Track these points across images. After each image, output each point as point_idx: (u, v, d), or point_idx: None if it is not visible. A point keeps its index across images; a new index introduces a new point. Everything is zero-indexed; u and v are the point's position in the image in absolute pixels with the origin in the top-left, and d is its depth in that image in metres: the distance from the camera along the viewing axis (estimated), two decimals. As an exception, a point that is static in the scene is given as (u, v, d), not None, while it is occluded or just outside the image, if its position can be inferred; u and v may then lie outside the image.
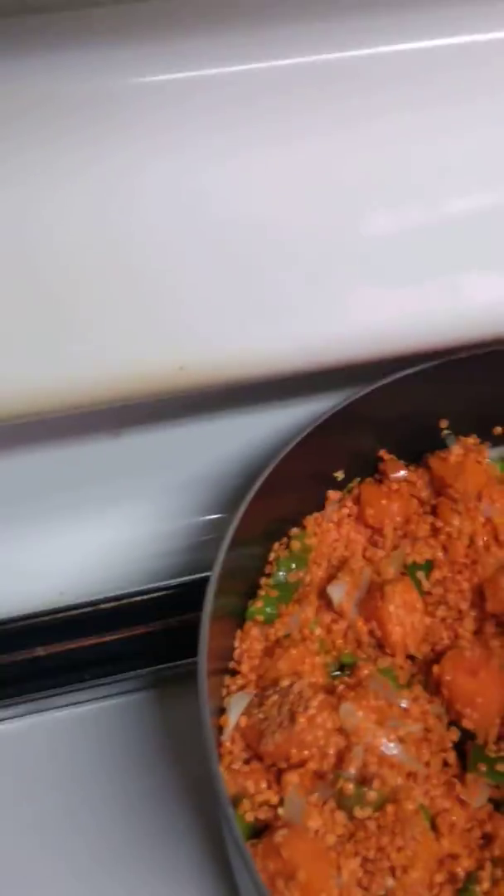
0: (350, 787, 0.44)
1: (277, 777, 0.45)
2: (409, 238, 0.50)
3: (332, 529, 0.56)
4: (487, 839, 0.45)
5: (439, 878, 0.43)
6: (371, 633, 0.52)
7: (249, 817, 0.43)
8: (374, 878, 0.42)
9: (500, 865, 0.43)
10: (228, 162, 0.47)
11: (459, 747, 0.48)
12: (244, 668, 0.48)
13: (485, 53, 0.48)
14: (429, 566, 0.55)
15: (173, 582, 0.62)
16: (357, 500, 0.57)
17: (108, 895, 0.51)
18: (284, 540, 0.54)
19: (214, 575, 0.45)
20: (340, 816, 0.44)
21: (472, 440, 0.58)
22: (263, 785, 0.44)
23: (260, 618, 0.51)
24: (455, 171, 0.49)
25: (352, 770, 0.44)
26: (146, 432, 0.60)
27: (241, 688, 0.48)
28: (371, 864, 0.42)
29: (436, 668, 0.50)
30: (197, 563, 0.62)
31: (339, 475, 0.56)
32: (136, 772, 0.56)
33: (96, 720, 0.58)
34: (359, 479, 0.58)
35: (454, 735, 0.48)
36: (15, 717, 0.59)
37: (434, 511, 0.57)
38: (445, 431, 0.58)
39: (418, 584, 0.53)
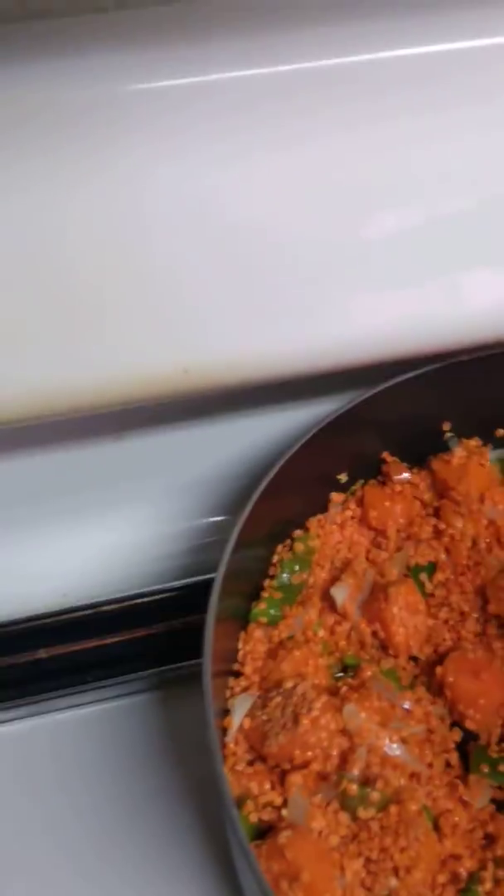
0: (353, 787, 0.44)
1: (281, 778, 0.45)
2: (411, 241, 0.50)
3: (335, 531, 0.56)
4: (490, 840, 0.45)
5: (442, 878, 0.43)
6: (374, 634, 0.52)
7: (253, 818, 0.44)
8: (378, 878, 0.42)
9: (502, 866, 0.43)
10: (231, 167, 0.47)
11: (462, 748, 0.48)
12: (247, 669, 0.48)
13: (486, 58, 0.48)
14: (431, 568, 0.55)
15: (176, 584, 0.62)
16: (360, 503, 0.57)
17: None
18: (288, 542, 0.55)
19: (219, 577, 0.46)
20: (344, 817, 0.44)
21: (474, 442, 0.58)
22: (267, 786, 0.45)
23: (263, 619, 0.51)
24: (456, 175, 0.49)
25: (355, 771, 0.44)
26: (149, 435, 0.60)
27: (245, 689, 0.48)
28: (374, 864, 0.43)
29: (439, 670, 0.50)
30: (200, 566, 0.62)
31: (343, 477, 0.57)
32: (139, 773, 0.56)
33: (99, 722, 0.58)
34: (362, 481, 0.58)
35: (457, 736, 0.48)
36: (17, 718, 0.59)
37: (436, 513, 0.57)
38: (448, 434, 0.58)
39: (421, 586, 0.54)
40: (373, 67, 0.47)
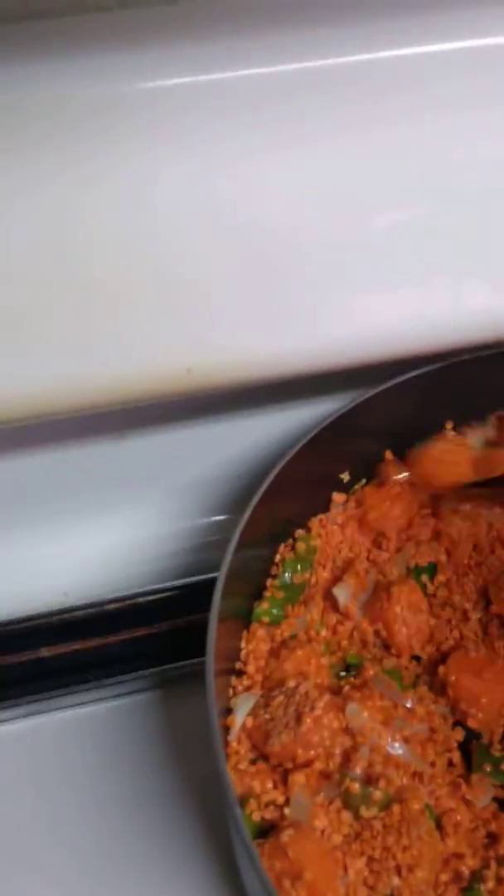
0: (356, 786, 0.44)
1: (283, 777, 0.45)
2: (413, 241, 0.50)
3: (336, 532, 0.56)
4: (492, 838, 0.45)
5: (444, 877, 0.43)
6: (377, 633, 0.52)
7: (256, 817, 0.44)
8: (380, 877, 0.42)
9: (504, 864, 0.44)
10: (234, 168, 0.47)
11: (464, 747, 0.48)
12: (250, 668, 0.49)
13: (490, 58, 0.48)
14: (432, 569, 0.55)
15: (178, 583, 0.62)
16: (360, 503, 0.57)
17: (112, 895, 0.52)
18: (290, 541, 0.55)
19: (221, 576, 0.46)
20: (346, 816, 0.44)
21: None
22: (269, 785, 0.45)
23: (266, 619, 0.51)
24: (458, 175, 0.50)
25: (357, 770, 0.45)
26: (151, 434, 0.60)
27: (247, 689, 0.48)
28: (377, 863, 0.43)
29: (441, 669, 0.50)
30: (201, 565, 0.62)
31: (345, 476, 0.57)
32: (141, 772, 0.56)
33: (100, 721, 0.58)
34: (364, 480, 0.58)
35: (459, 735, 0.49)
36: (19, 717, 0.59)
37: (435, 513, 0.57)
38: (451, 434, 0.58)
39: (423, 587, 0.54)
40: (377, 67, 0.47)
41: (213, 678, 0.42)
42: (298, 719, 0.45)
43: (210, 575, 0.46)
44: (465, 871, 0.44)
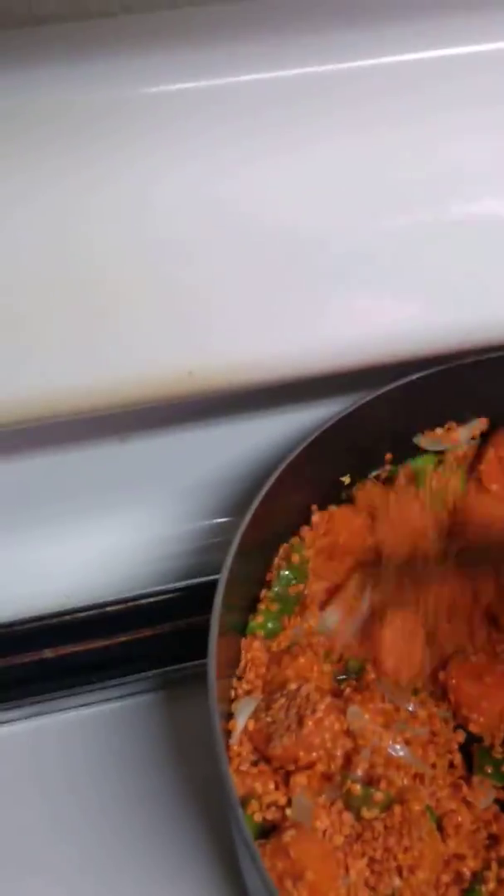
0: (357, 788, 0.44)
1: (285, 778, 0.45)
2: (415, 244, 0.50)
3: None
4: (493, 840, 0.45)
5: (445, 878, 0.44)
6: (365, 660, 0.50)
7: (258, 818, 0.44)
8: (382, 878, 0.42)
9: (505, 866, 0.44)
10: (235, 172, 0.47)
11: (465, 749, 0.49)
12: (250, 675, 0.48)
13: (491, 62, 0.49)
14: None
15: (179, 585, 0.62)
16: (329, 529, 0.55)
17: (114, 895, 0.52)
18: (286, 549, 0.53)
19: (223, 579, 0.45)
20: (348, 817, 0.44)
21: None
22: (271, 786, 0.45)
23: (261, 633, 0.50)
24: (461, 178, 0.50)
25: (359, 772, 0.45)
26: (152, 437, 0.60)
27: (248, 693, 0.48)
28: (378, 864, 0.43)
29: (441, 674, 0.50)
30: (203, 567, 0.62)
31: (346, 479, 0.56)
32: (143, 773, 0.56)
33: (102, 722, 0.58)
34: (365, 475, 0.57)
35: (460, 737, 0.49)
36: (22, 718, 0.59)
37: None
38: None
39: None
40: (376, 72, 0.47)
41: (215, 682, 0.42)
42: (300, 722, 0.45)
43: (211, 577, 0.46)
44: (466, 873, 0.44)
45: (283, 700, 0.46)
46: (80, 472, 0.60)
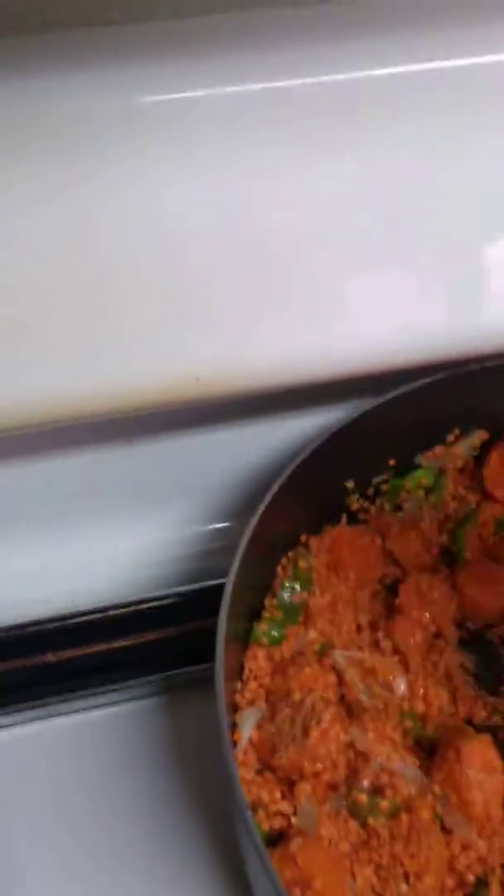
0: (363, 797, 0.44)
1: (290, 787, 0.45)
2: (423, 251, 0.50)
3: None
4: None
5: (450, 882, 0.44)
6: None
7: (264, 826, 0.44)
8: (388, 884, 0.43)
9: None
10: (242, 180, 0.47)
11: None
12: (252, 685, 0.48)
13: (490, 74, 0.49)
14: None
15: (182, 589, 0.62)
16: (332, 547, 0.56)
17: None
18: (290, 557, 0.54)
19: (229, 583, 0.45)
20: (353, 825, 0.44)
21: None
22: (277, 795, 0.45)
23: (265, 640, 0.50)
24: (464, 183, 0.50)
25: (365, 783, 0.45)
26: (158, 441, 0.60)
27: (251, 702, 0.48)
28: (384, 870, 0.43)
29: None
30: (207, 571, 0.62)
31: (350, 484, 0.57)
32: (146, 776, 0.56)
33: (106, 726, 0.58)
34: (369, 481, 0.58)
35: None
36: (25, 722, 0.59)
37: None
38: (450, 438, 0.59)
39: None
40: (378, 83, 0.47)
41: (222, 687, 0.42)
42: (305, 732, 0.45)
43: (216, 581, 0.47)
44: (471, 877, 0.44)
45: (287, 710, 0.46)
46: (84, 475, 0.60)
